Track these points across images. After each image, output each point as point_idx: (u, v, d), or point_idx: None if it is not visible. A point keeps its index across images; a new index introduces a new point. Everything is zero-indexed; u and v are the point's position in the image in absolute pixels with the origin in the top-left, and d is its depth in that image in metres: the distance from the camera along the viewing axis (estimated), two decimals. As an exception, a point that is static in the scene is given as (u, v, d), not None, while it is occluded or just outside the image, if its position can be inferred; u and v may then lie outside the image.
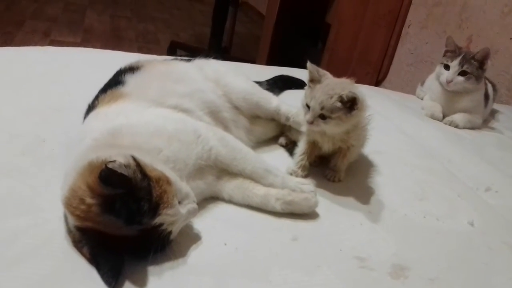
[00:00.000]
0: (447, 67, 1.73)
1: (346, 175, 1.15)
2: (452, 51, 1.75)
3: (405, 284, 0.83)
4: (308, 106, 1.02)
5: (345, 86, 1.00)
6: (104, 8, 4.75)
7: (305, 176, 1.10)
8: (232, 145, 1.01)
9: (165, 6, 5.48)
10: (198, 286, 0.74)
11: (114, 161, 0.71)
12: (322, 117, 1.00)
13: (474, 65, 1.68)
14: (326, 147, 1.10)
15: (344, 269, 0.84)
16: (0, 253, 0.74)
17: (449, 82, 1.72)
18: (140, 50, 3.69)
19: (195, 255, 0.81)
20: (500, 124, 1.91)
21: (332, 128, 1.02)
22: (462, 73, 1.69)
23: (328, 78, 1.04)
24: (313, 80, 1.04)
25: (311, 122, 1.01)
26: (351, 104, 0.98)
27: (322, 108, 0.98)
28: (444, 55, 1.78)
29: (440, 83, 1.78)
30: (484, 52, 1.67)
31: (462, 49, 1.76)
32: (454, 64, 1.70)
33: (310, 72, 1.04)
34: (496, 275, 0.90)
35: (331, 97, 0.97)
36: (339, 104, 0.97)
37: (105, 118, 0.94)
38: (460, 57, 1.69)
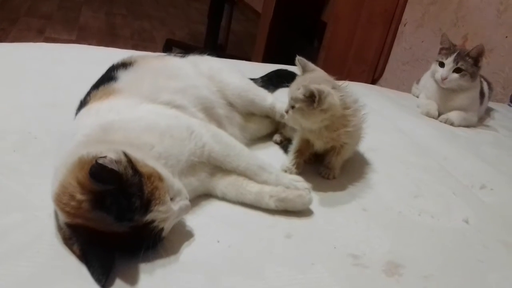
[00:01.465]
0: (442, 64, 1.73)
1: (341, 173, 1.14)
2: (447, 49, 1.74)
3: (400, 281, 0.82)
4: None
5: (317, 80, 1.01)
6: (100, 5, 4.72)
7: (299, 174, 1.09)
8: (225, 142, 1.00)
9: (161, 4, 5.46)
10: (191, 284, 0.73)
11: (105, 156, 0.70)
12: (292, 107, 1.02)
13: (469, 62, 1.68)
14: (318, 144, 1.09)
15: (338, 266, 0.83)
16: (-11, 250, 0.72)
17: (444, 79, 1.71)
18: (136, 48, 3.63)
19: (188, 252, 0.80)
20: (495, 122, 1.91)
21: (302, 120, 1.02)
22: (456, 70, 1.69)
23: (313, 73, 1.05)
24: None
25: (286, 112, 1.04)
26: (316, 98, 0.97)
27: (291, 98, 1.01)
28: (439, 53, 1.78)
29: (435, 81, 1.78)
30: (478, 49, 1.67)
31: (457, 47, 1.76)
32: (449, 61, 1.70)
33: (298, 65, 1.07)
34: (491, 273, 0.90)
35: (298, 89, 0.99)
36: (301, 96, 0.98)
37: (96, 114, 0.92)
38: (455, 54, 1.68)
